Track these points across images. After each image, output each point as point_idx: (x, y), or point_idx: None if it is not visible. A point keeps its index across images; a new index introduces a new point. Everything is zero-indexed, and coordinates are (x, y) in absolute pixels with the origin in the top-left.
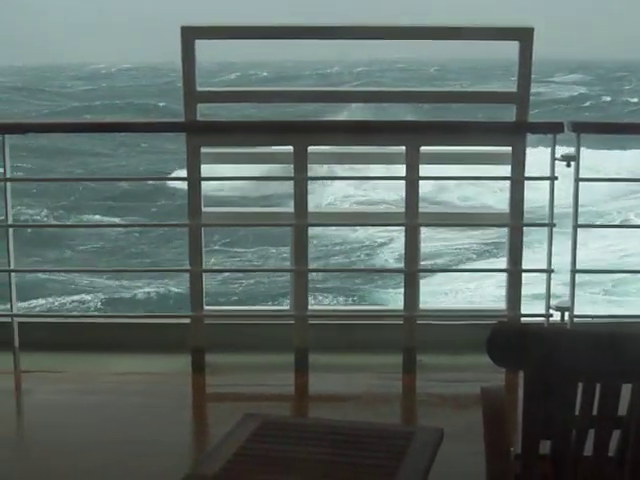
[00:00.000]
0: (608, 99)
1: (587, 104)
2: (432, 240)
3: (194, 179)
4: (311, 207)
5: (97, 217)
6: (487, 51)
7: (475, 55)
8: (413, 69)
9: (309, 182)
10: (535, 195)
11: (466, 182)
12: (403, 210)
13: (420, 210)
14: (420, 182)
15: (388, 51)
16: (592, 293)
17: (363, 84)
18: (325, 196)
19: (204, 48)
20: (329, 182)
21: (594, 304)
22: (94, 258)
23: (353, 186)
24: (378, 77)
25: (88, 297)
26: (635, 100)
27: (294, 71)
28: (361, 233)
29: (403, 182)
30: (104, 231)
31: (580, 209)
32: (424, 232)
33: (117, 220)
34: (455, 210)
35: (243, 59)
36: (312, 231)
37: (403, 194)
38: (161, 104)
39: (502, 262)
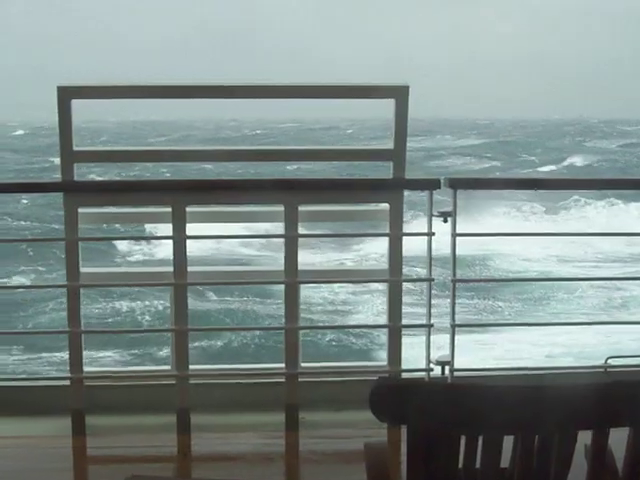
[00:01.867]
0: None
1: None
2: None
3: (72, 239)
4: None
5: None
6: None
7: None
8: (321, 128)
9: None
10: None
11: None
12: (282, 268)
13: (300, 268)
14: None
15: (280, 113)
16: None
17: (258, 144)
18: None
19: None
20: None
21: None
22: None
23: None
24: (272, 138)
25: None
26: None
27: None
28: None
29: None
30: None
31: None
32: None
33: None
34: (336, 267)
35: (137, 118)
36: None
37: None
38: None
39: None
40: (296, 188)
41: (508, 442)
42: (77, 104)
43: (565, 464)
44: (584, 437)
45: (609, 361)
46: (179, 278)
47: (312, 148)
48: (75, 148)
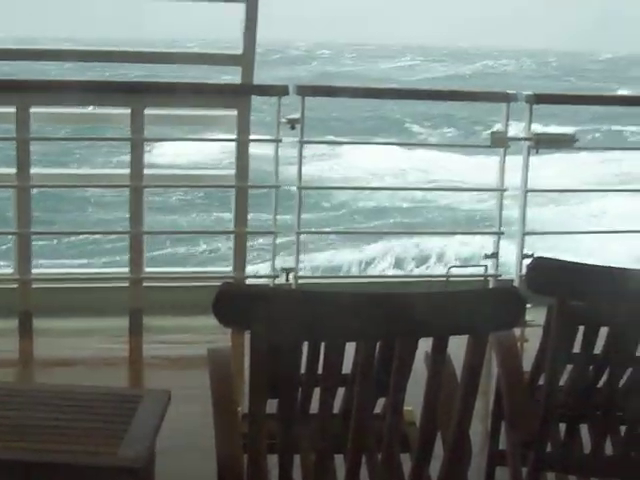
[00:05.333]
0: None
1: None
2: None
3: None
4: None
5: None
6: None
7: None
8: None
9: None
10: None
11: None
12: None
13: (145, 172)
14: None
15: None
16: None
17: None
18: None
19: None
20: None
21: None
22: None
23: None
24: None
25: None
26: None
27: None
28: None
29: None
30: None
31: None
32: None
33: None
34: (181, 172)
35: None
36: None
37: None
38: None
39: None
40: (142, 91)
41: (351, 349)
42: None
43: (405, 370)
44: (424, 344)
45: (451, 270)
46: (22, 181)
47: (160, 51)
48: None
